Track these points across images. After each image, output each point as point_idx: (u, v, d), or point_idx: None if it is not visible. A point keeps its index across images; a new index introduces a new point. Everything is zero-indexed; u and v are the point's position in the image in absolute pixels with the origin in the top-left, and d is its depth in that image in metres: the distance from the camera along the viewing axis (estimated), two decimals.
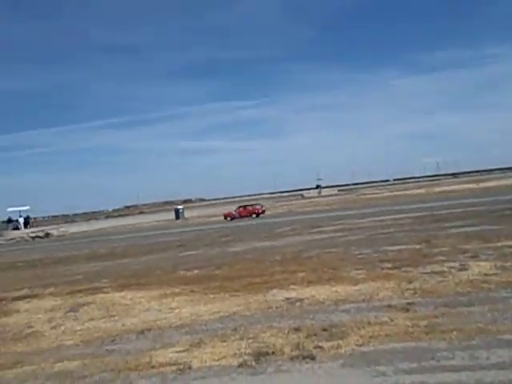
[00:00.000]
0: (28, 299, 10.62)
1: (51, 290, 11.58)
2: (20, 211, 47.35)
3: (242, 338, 5.96)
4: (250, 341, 5.81)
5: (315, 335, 5.72)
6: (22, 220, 46.19)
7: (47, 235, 42.23)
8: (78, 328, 7.59)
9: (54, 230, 45.54)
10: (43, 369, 5.69)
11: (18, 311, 9.44)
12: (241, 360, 5.19)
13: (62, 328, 7.69)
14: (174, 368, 5.23)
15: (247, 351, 5.45)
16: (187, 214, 53.47)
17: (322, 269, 10.14)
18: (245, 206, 39.08)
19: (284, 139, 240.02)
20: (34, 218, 53.46)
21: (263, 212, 37.86)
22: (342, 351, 5.10)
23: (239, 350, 5.55)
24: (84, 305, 9.30)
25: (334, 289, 8.15)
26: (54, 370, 5.62)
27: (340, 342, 5.37)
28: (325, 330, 5.88)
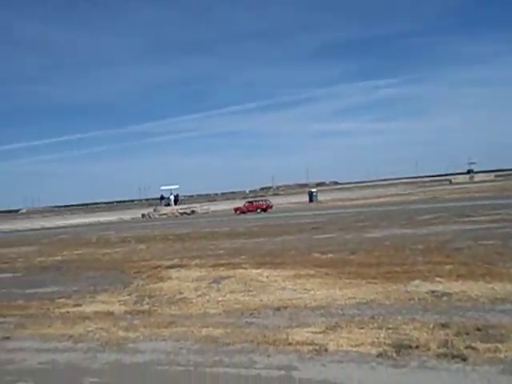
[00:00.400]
0: (178, 268, 11.82)
1: (197, 261, 12.69)
2: (171, 190, 52.96)
3: (380, 327, 5.68)
4: (390, 331, 5.50)
5: (467, 334, 5.14)
6: (172, 198, 51.63)
7: (193, 212, 46.59)
8: (220, 299, 8.15)
9: (198, 208, 50.02)
10: (192, 332, 6.25)
11: (170, 278, 10.57)
12: (380, 350, 4.95)
13: (207, 297, 8.35)
14: (311, 348, 5.24)
15: (387, 341, 5.17)
16: (320, 197, 53.46)
17: (474, 262, 9.09)
18: (251, 202, 42.79)
19: (429, 119, 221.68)
20: (182, 197, 59.21)
21: (268, 207, 40.13)
22: (502, 356, 4.48)
23: (377, 338, 5.30)
24: (225, 278, 9.96)
25: (489, 285, 7.24)
26: (202, 333, 6.13)
27: (498, 345, 4.72)
28: (479, 329, 5.25)
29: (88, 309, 8.18)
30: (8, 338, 6.83)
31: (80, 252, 17.68)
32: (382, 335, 5.39)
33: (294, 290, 8.26)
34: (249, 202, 43.25)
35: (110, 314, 7.69)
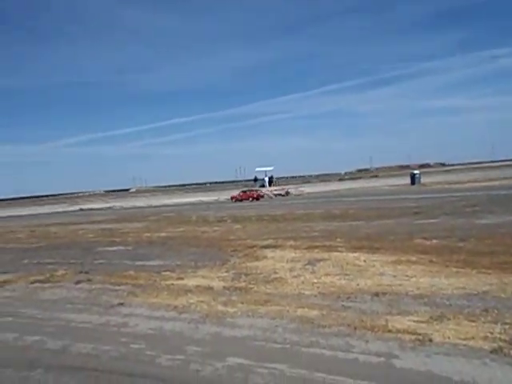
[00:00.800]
0: (273, 248, 11.98)
1: (291, 242, 12.74)
2: (266, 171, 53.93)
3: (494, 322, 5.16)
4: (507, 326, 4.96)
5: None
6: (267, 179, 52.57)
7: (287, 193, 46.91)
8: (315, 281, 8.08)
9: (293, 189, 50.21)
10: (288, 311, 6.29)
11: (265, 258, 10.76)
12: (494, 345, 4.50)
13: (302, 278, 8.34)
14: (413, 337, 4.95)
15: (503, 337, 4.67)
16: (424, 179, 50.18)
17: None
18: (245, 191, 46.29)
19: None
20: (278, 178, 59.91)
21: (259, 196, 44.41)
22: None
23: (491, 333, 4.82)
24: (320, 260, 9.85)
25: None
26: (297, 314, 6.14)
27: None
28: None
29: (190, 282, 8.68)
30: (122, 304, 7.55)
31: (182, 229, 18.85)
32: (497, 330, 4.89)
33: (394, 276, 7.87)
34: (243, 191, 47.27)
35: (210, 288, 8.08)
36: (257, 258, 10.72)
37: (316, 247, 11.54)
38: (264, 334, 5.53)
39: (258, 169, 56.72)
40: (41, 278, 10.28)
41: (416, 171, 51.84)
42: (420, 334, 4.99)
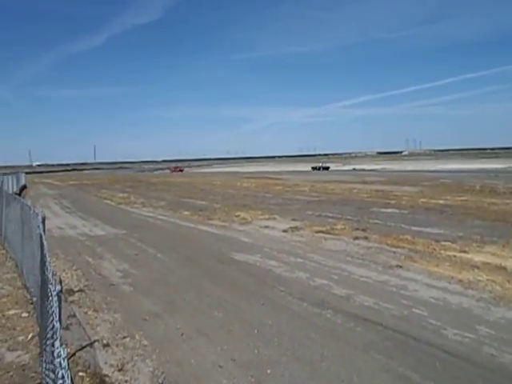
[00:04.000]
0: None
1: None
2: None
3: None
4: None
5: None
6: None
7: None
8: None
9: None
10: None
11: None
12: None
13: None
14: None
15: None
16: None
17: None
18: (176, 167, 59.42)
19: None
20: None
21: (181, 170, 62.13)
22: None
23: None
24: None
25: None
26: None
27: None
28: None
29: (476, 258, 7.86)
30: (401, 266, 7.53)
31: (463, 198, 17.19)
32: None
33: None
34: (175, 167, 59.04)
35: (502, 268, 7.09)
36: None
37: None
38: None
39: None
40: (323, 229, 11.38)
41: None
42: None
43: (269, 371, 4.06)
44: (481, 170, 41.52)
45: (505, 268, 7.07)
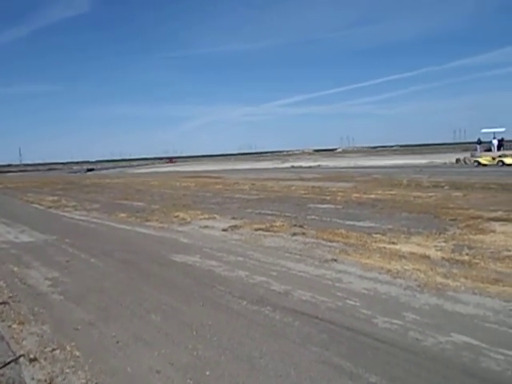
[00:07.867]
0: (503, 222, 10.41)
1: None
2: (494, 133, 46.54)
3: None
4: None
5: None
6: (495, 142, 45.36)
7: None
8: None
9: None
10: None
11: (493, 232, 9.44)
12: None
13: None
14: None
15: None
16: None
17: None
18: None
19: None
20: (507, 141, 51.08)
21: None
22: None
23: None
24: None
25: None
26: None
27: None
28: None
29: (403, 248, 8.35)
30: (335, 260, 7.83)
31: (392, 192, 18.18)
32: None
33: None
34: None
35: (426, 257, 7.60)
36: (482, 231, 9.52)
37: None
38: (496, 316, 4.90)
39: (484, 130, 49.21)
40: (262, 226, 11.52)
41: None
42: None
43: (208, 372, 4.05)
44: (408, 165, 44.18)
45: (428, 257, 7.59)
